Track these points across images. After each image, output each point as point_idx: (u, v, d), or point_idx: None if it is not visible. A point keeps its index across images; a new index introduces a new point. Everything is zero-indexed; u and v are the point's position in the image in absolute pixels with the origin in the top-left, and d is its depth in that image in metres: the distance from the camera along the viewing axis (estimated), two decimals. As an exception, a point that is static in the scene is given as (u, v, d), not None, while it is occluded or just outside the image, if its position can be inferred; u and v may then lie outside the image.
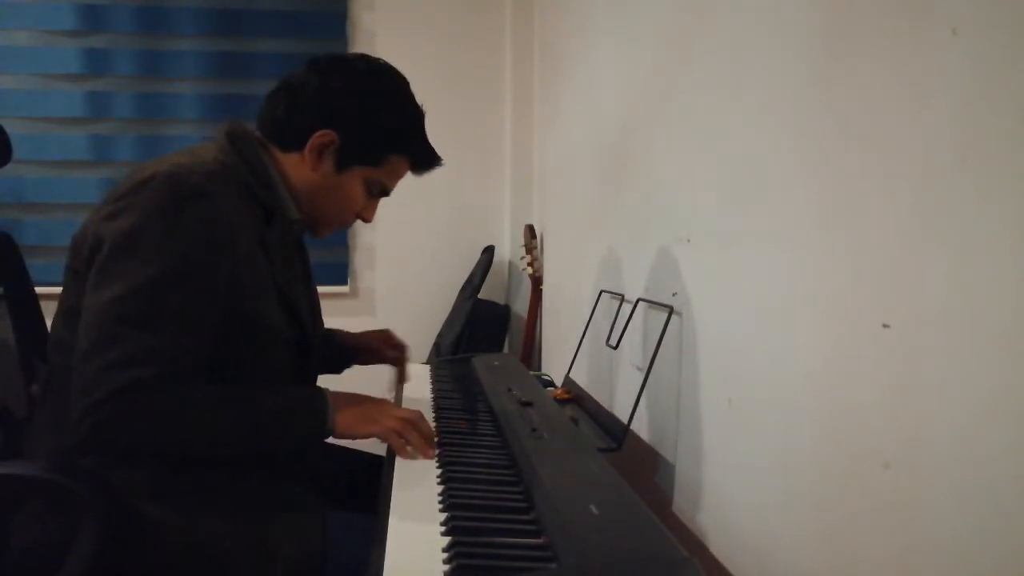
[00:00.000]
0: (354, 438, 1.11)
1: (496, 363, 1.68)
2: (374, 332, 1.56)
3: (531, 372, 1.76)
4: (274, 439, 1.06)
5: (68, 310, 1.06)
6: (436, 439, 1.13)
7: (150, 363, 0.95)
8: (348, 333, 1.54)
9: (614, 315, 1.69)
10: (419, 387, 1.55)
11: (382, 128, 1.18)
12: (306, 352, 1.21)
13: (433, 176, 3.32)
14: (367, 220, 1.27)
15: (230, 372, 1.05)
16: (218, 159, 1.10)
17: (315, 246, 3.01)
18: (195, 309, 1.00)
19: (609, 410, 1.63)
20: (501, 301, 3.17)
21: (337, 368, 1.50)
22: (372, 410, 1.12)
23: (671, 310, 1.39)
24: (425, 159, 1.26)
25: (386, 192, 1.25)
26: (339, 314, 3.09)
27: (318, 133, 1.14)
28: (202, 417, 1.00)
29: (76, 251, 1.05)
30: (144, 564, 0.98)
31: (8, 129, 1.31)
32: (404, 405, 1.41)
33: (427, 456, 1.07)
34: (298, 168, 1.17)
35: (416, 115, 1.24)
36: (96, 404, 0.93)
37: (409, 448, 1.07)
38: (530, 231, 2.87)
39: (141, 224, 0.99)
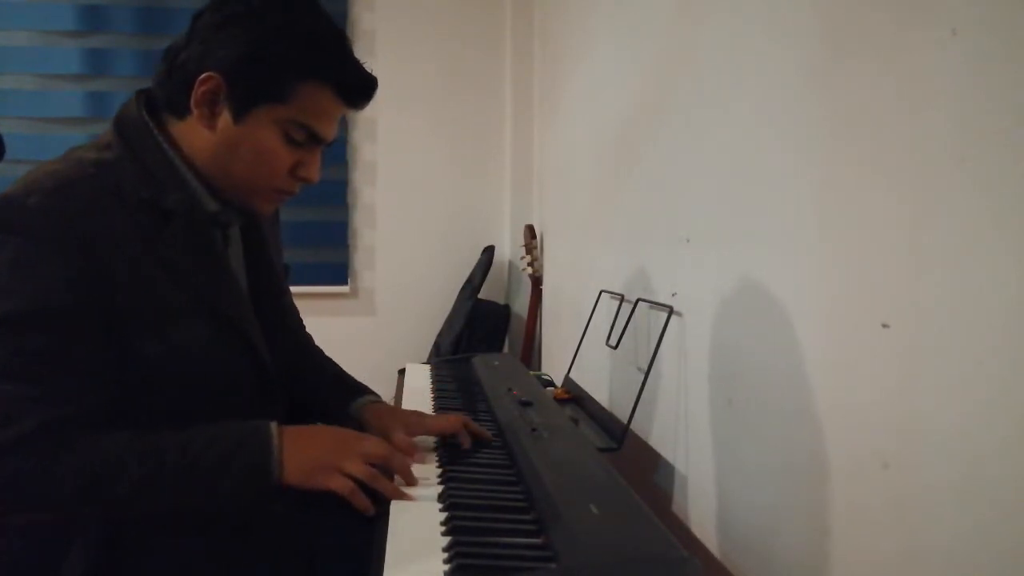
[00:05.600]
0: (306, 490, 0.90)
1: (496, 363, 1.68)
2: (442, 418, 1.15)
3: (531, 372, 1.76)
4: (203, 491, 0.87)
5: None
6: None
7: (28, 415, 0.82)
8: (373, 408, 1.16)
9: (614, 315, 1.69)
10: (419, 387, 1.55)
11: (271, 53, 0.93)
12: (258, 366, 1.01)
13: (433, 176, 3.31)
14: (309, 179, 1.00)
15: (163, 419, 0.90)
16: (98, 159, 0.93)
17: (315, 246, 3.04)
18: (60, 349, 0.85)
19: (609, 410, 1.63)
20: (501, 301, 3.17)
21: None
22: (331, 452, 0.91)
23: (671, 310, 1.39)
24: (349, 81, 0.98)
25: (317, 138, 0.98)
26: (339, 314, 3.11)
27: (199, 80, 0.93)
28: (108, 473, 0.84)
29: None
30: None
31: (8, 129, 1.31)
32: (404, 406, 1.40)
33: (401, 496, 0.89)
34: (195, 133, 0.96)
35: (318, 29, 0.97)
36: None
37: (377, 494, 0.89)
38: (530, 231, 2.87)
39: None
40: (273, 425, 0.91)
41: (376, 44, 3.08)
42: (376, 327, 3.15)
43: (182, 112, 0.97)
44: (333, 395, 1.19)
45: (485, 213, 3.20)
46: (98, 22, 2.93)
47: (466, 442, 1.09)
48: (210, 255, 0.99)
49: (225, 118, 0.95)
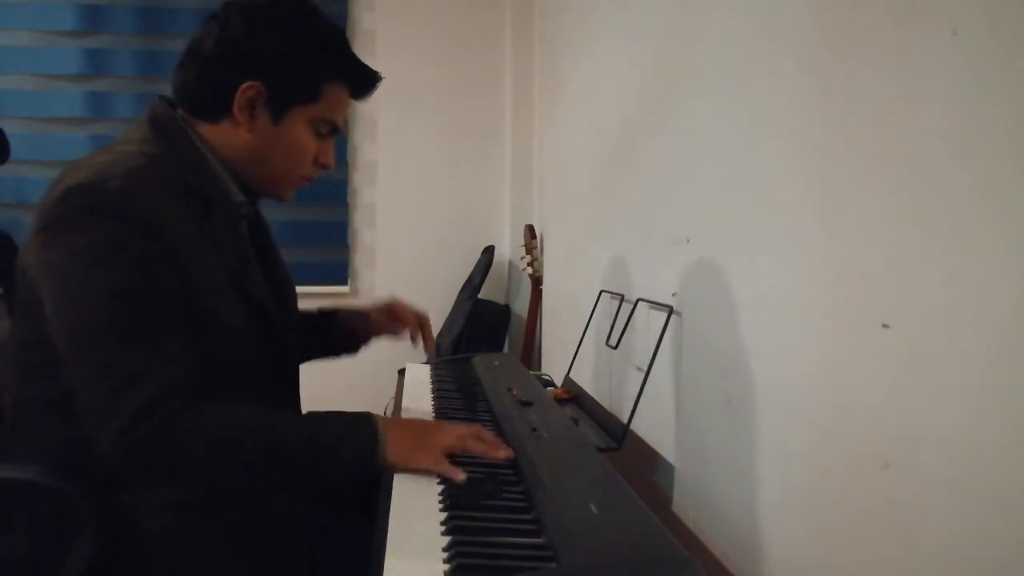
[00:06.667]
0: (405, 470, 0.97)
1: (496, 363, 1.68)
2: (379, 308, 1.43)
3: (531, 372, 1.76)
4: (319, 465, 0.96)
5: (29, 342, 0.99)
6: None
7: (151, 376, 0.89)
8: (351, 312, 1.43)
9: (614, 315, 1.69)
10: (420, 387, 1.55)
11: (305, 59, 1.05)
12: (275, 344, 1.11)
13: (433, 176, 3.30)
14: (328, 166, 1.14)
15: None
16: (142, 151, 1.00)
17: (315, 246, 3.04)
18: (162, 317, 0.93)
19: (609, 410, 1.63)
20: (501, 301, 3.17)
21: (348, 349, 1.44)
22: (427, 435, 1.00)
23: (671, 310, 1.39)
24: (362, 78, 1.12)
25: (337, 129, 1.12)
26: (339, 314, 3.11)
27: (241, 89, 1.03)
28: (239, 438, 0.92)
29: (20, 282, 0.99)
30: None
31: (8, 129, 1.31)
32: (403, 406, 1.41)
33: (500, 456, 0.99)
34: (233, 136, 1.05)
35: (333, 34, 1.10)
36: (121, 432, 0.87)
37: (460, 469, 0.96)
38: (530, 231, 2.87)
39: (74, 247, 0.91)
40: (377, 420, 1.00)
41: (376, 44, 3.08)
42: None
43: (215, 118, 1.06)
44: (314, 326, 1.37)
45: (485, 213, 3.20)
46: (98, 22, 2.93)
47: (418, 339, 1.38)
48: (239, 240, 1.09)
49: (264, 120, 1.05)
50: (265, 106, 1.04)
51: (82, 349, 0.91)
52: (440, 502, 0.89)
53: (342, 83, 1.09)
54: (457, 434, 1.00)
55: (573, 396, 1.80)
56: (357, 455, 0.96)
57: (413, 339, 1.41)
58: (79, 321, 0.91)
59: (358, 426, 0.98)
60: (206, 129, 1.06)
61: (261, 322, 1.07)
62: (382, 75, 1.13)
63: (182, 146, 1.03)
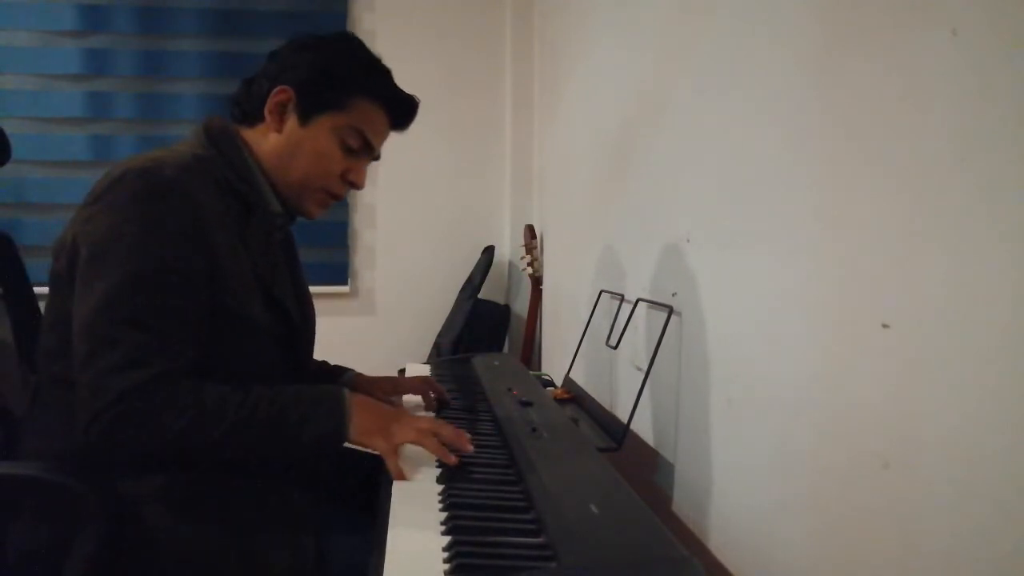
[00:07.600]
0: (364, 448, 1.03)
1: (496, 363, 1.68)
2: (383, 378, 1.42)
3: (531, 372, 1.76)
4: (287, 439, 0.99)
5: (55, 319, 1.03)
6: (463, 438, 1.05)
7: (149, 362, 0.93)
8: (364, 378, 1.41)
9: (614, 315, 1.69)
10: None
11: (336, 69, 1.14)
12: (294, 348, 1.17)
13: (433, 176, 3.32)
14: (358, 184, 1.19)
15: (214, 368, 1.01)
16: (194, 153, 1.08)
17: (315, 246, 3.05)
18: (181, 305, 0.97)
19: (609, 410, 1.63)
20: (501, 301, 3.17)
21: None
22: (390, 421, 1.04)
23: (671, 310, 1.39)
24: (397, 101, 1.18)
25: (370, 148, 1.18)
26: (339, 314, 3.11)
27: (273, 92, 1.13)
28: (210, 415, 0.95)
29: (57, 258, 1.03)
30: (140, 569, 0.97)
31: (8, 129, 1.31)
32: (404, 406, 1.41)
33: (450, 461, 1.00)
34: (265, 137, 1.15)
35: (373, 60, 1.18)
36: (101, 410, 0.92)
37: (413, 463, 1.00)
38: (530, 231, 2.87)
39: (116, 223, 0.97)
40: (346, 391, 1.05)
41: (376, 44, 3.05)
42: (376, 327, 3.15)
43: (253, 121, 1.16)
44: (323, 376, 1.39)
45: (485, 213, 3.20)
46: (98, 22, 2.93)
47: (430, 404, 1.35)
48: (272, 249, 1.17)
49: (292, 122, 1.14)
50: (294, 109, 1.13)
51: (93, 322, 0.95)
52: (440, 502, 0.89)
53: (375, 102, 1.15)
54: (416, 429, 1.04)
55: (573, 396, 1.80)
56: (324, 430, 1.01)
57: (425, 398, 1.39)
58: (101, 296, 0.95)
59: (327, 402, 1.03)
60: (246, 132, 1.16)
61: (283, 325, 1.13)
62: (418, 101, 1.19)
63: (232, 154, 1.11)
